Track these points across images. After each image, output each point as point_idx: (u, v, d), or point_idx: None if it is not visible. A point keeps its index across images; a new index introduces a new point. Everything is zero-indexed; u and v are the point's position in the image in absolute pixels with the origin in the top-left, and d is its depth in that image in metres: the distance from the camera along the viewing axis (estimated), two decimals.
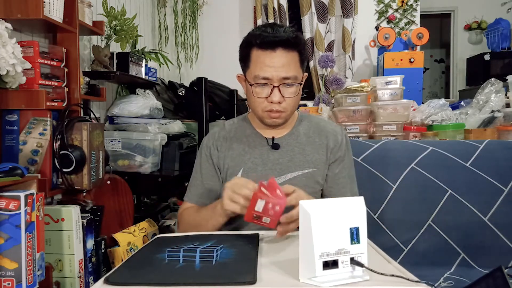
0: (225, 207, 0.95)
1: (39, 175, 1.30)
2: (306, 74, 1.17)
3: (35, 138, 1.40)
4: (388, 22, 3.53)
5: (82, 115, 1.63)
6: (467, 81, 4.82)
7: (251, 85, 1.10)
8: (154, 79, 2.45)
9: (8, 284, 1.09)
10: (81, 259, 1.39)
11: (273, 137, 1.17)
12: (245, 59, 1.12)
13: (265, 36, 1.06)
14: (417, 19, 3.53)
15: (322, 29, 3.42)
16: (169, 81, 2.81)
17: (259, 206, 0.87)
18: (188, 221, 1.17)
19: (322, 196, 1.19)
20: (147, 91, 2.32)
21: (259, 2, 3.40)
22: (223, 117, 2.70)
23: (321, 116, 2.27)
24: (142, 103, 2.15)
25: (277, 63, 1.05)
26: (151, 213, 2.18)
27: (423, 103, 2.42)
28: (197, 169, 1.23)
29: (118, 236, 1.55)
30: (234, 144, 1.19)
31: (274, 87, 1.07)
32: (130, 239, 1.58)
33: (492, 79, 2.19)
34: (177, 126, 2.28)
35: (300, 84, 1.11)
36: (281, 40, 1.05)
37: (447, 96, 5.57)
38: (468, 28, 5.22)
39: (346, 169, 1.20)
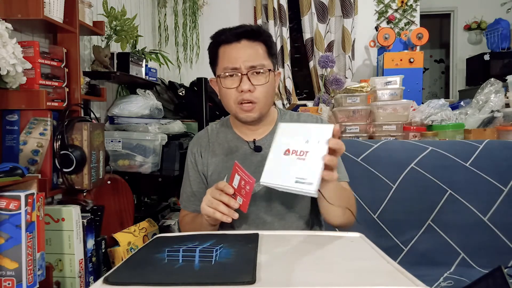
0: (202, 212, 0.97)
1: (39, 175, 1.30)
2: (280, 71, 1.18)
3: (36, 138, 1.41)
4: (388, 22, 3.54)
5: (82, 115, 1.63)
6: (466, 81, 4.82)
7: (219, 76, 1.10)
8: (154, 79, 2.45)
9: (9, 284, 1.09)
10: (82, 259, 1.40)
11: (254, 140, 1.16)
12: (213, 59, 1.14)
13: (228, 31, 1.10)
14: (417, 19, 3.54)
15: (322, 30, 3.43)
16: (169, 81, 2.82)
17: (236, 182, 0.92)
18: (185, 230, 1.19)
19: None
20: (147, 91, 2.32)
21: (259, 3, 3.40)
22: (223, 117, 2.70)
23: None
24: (142, 103, 2.15)
25: (242, 54, 1.08)
26: (151, 213, 2.19)
27: (422, 103, 2.42)
28: (186, 176, 1.24)
29: (118, 236, 1.56)
30: (217, 150, 1.19)
31: (242, 75, 1.07)
32: (131, 239, 1.58)
33: (492, 79, 2.19)
34: (177, 126, 2.28)
35: (270, 71, 1.10)
36: (245, 31, 1.09)
37: (446, 96, 5.58)
38: (468, 28, 5.22)
39: None
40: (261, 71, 1.08)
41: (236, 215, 0.92)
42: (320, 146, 0.79)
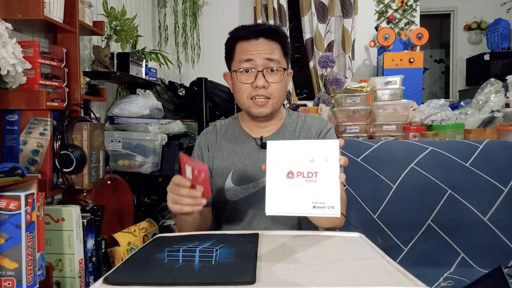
0: (171, 210, 0.96)
1: (39, 175, 1.30)
2: (291, 71, 1.20)
3: (36, 138, 1.41)
4: (388, 22, 3.53)
5: (82, 115, 1.63)
6: (466, 81, 4.83)
7: (235, 71, 1.11)
8: (154, 79, 2.45)
9: (9, 284, 1.09)
10: (82, 259, 1.40)
11: (261, 137, 1.17)
12: (230, 53, 1.16)
13: (248, 28, 1.13)
14: (417, 19, 3.54)
15: (322, 30, 3.43)
16: (169, 81, 2.82)
17: (188, 172, 0.90)
18: (178, 228, 1.19)
19: None
20: (148, 91, 2.32)
21: (259, 2, 3.40)
22: (223, 117, 2.70)
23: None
24: (143, 103, 2.15)
25: (260, 48, 1.10)
26: (151, 213, 2.19)
27: (422, 103, 2.42)
28: None
29: (118, 236, 1.56)
30: (224, 145, 1.20)
31: (258, 71, 1.09)
32: (130, 239, 1.59)
33: (492, 79, 2.19)
34: (177, 126, 2.28)
35: (285, 70, 1.13)
36: (263, 29, 1.12)
37: (446, 96, 5.58)
38: (468, 28, 5.22)
39: None
40: (276, 68, 1.10)
41: (203, 202, 0.91)
42: (330, 164, 0.74)
